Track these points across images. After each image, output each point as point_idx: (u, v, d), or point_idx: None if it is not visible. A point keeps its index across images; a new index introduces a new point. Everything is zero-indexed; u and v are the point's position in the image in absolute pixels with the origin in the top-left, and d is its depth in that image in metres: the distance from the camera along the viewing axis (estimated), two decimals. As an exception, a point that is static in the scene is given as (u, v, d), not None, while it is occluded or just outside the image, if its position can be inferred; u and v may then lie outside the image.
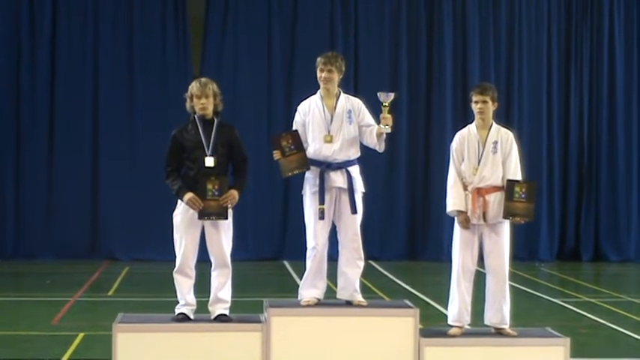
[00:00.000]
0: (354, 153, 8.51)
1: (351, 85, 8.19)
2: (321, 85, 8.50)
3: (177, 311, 8.21)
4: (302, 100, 8.81)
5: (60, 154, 19.05)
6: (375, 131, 8.57)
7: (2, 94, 18.75)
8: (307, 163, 8.32)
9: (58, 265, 17.74)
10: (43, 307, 13.22)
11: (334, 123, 8.39)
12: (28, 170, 19.01)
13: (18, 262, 18.39)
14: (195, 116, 8.22)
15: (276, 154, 8.43)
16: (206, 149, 8.15)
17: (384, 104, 8.44)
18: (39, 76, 18.94)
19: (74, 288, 15.02)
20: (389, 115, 8.37)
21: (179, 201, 8.20)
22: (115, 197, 18.79)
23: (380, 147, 8.76)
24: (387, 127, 8.39)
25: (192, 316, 8.28)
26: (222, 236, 8.23)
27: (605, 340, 11.27)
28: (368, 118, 8.62)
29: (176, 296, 8.34)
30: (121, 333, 8.15)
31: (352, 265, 8.58)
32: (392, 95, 8.58)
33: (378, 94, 8.46)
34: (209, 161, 8.10)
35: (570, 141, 19.92)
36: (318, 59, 8.52)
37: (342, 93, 8.64)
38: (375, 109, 8.42)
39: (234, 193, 8.15)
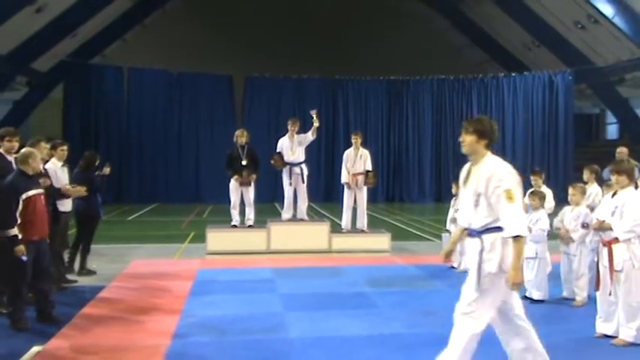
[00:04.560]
0: (303, 157, 11.08)
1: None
2: (290, 131, 10.98)
3: (232, 223, 11.01)
4: (280, 137, 11.23)
5: (199, 155, 23.30)
6: (310, 131, 10.82)
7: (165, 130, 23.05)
8: (285, 164, 11.01)
9: (185, 205, 20.80)
10: (177, 223, 15.85)
11: (294, 146, 10.98)
12: (169, 160, 23.14)
13: (168, 204, 21.62)
14: (238, 144, 10.79)
15: (273, 162, 11.10)
16: (242, 157, 10.77)
17: (312, 114, 10.73)
18: (183, 126, 23.26)
19: (189, 213, 18.17)
20: (316, 118, 10.63)
21: (232, 179, 10.85)
22: (205, 172, 22.44)
23: (313, 136, 10.86)
24: (316, 124, 10.64)
25: (238, 225, 11.00)
26: (250, 193, 10.86)
27: (399, 232, 13.67)
28: (306, 135, 10.88)
29: (231, 218, 11.10)
30: (210, 232, 10.91)
31: (303, 203, 11.19)
32: (315, 110, 10.84)
33: (310, 112, 10.84)
34: (244, 162, 10.75)
35: (391, 153, 24.28)
36: (289, 121, 11.12)
37: (296, 133, 10.95)
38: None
39: (254, 177, 10.82)
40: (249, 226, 11.14)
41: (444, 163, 24.73)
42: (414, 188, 24.65)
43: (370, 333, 5.89)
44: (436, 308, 6.85)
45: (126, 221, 17.01)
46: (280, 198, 12.02)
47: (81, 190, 7.58)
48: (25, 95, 23.04)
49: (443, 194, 23.01)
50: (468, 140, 4.10)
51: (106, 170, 9.20)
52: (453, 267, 9.20)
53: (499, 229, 3.97)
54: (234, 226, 11.11)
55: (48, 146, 7.53)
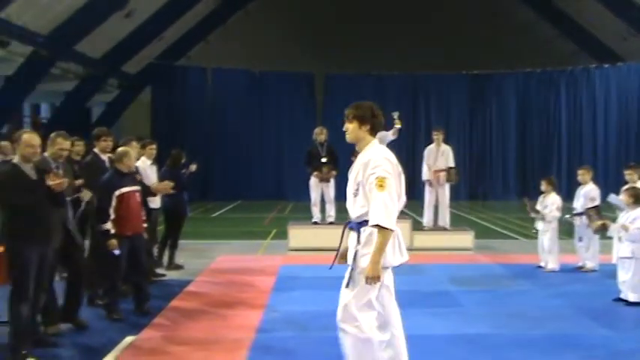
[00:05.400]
0: None
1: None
2: None
3: (313, 220, 11.19)
4: None
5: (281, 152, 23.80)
6: (392, 131, 10.40)
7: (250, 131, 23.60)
8: None
9: (267, 202, 20.96)
10: (259, 220, 16.19)
11: None
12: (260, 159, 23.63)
13: (251, 201, 21.80)
14: (317, 142, 10.96)
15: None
16: (322, 153, 10.94)
17: (394, 117, 10.32)
18: (265, 125, 23.65)
19: (271, 211, 18.47)
20: (398, 120, 10.29)
21: (311, 176, 10.99)
22: (286, 170, 22.69)
23: (394, 136, 10.44)
24: (398, 126, 10.30)
25: (319, 222, 11.14)
26: (330, 190, 10.96)
27: (483, 230, 13.49)
28: (387, 133, 10.20)
29: (312, 215, 11.26)
30: (292, 229, 11.12)
31: None
32: (397, 112, 10.33)
33: (392, 113, 10.16)
34: (324, 159, 10.95)
35: (474, 150, 23.74)
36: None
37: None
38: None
39: (334, 173, 10.91)
40: (330, 223, 11.16)
41: (529, 159, 23.90)
42: (497, 185, 23.97)
43: (454, 332, 5.80)
44: (523, 309, 6.70)
45: (211, 218, 17.50)
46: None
47: (168, 187, 7.88)
48: (116, 97, 24.20)
49: (529, 191, 22.19)
50: (350, 128, 3.89)
51: (192, 167, 9.49)
52: (540, 266, 8.97)
53: None
54: (315, 223, 11.19)
55: (138, 145, 7.87)
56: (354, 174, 3.82)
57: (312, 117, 23.23)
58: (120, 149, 6.55)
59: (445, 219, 11.26)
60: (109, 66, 21.47)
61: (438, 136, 11.19)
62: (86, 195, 5.98)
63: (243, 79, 24.08)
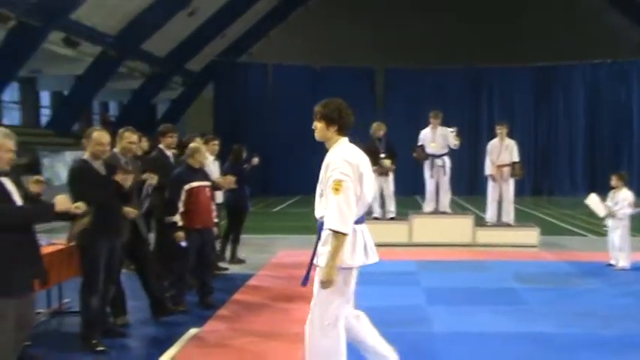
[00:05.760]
0: (446, 149, 10.88)
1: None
2: (432, 123, 10.79)
3: (373, 215, 10.80)
4: (421, 129, 11.04)
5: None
6: (453, 141, 10.70)
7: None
8: (427, 156, 10.95)
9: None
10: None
11: (436, 138, 10.82)
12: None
13: (310, 195, 20.33)
14: (375, 137, 10.69)
15: (415, 154, 11.02)
16: (380, 149, 10.69)
17: (452, 132, 10.63)
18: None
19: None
20: (457, 137, 10.54)
21: None
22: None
23: (455, 148, 10.84)
24: (457, 142, 10.63)
25: (379, 217, 10.88)
26: (390, 184, 10.85)
27: (548, 227, 13.03)
28: (451, 136, 10.66)
29: (372, 210, 10.77)
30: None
31: (445, 196, 11.06)
32: (455, 128, 10.66)
33: (450, 129, 10.67)
34: (382, 155, 10.70)
35: (539, 144, 23.23)
36: (431, 113, 10.91)
37: (439, 125, 10.91)
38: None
39: (393, 167, 10.80)
40: (391, 219, 11.08)
41: (598, 153, 23.09)
42: (565, 181, 23.25)
43: (519, 330, 5.67)
44: (591, 307, 6.48)
45: (271, 213, 17.68)
46: (420, 190, 11.89)
47: (231, 181, 8.01)
48: (180, 94, 24.81)
49: (598, 187, 21.36)
50: (318, 127, 3.84)
51: (255, 161, 9.61)
52: (611, 264, 8.67)
53: None
54: (376, 218, 11.09)
55: (201, 141, 8.03)
56: (321, 175, 3.85)
57: (372, 112, 22.98)
58: (191, 145, 6.77)
59: (509, 214, 11.01)
60: (174, 64, 22.03)
61: (501, 130, 10.95)
62: (152, 178, 6.21)
63: (304, 74, 24.17)
